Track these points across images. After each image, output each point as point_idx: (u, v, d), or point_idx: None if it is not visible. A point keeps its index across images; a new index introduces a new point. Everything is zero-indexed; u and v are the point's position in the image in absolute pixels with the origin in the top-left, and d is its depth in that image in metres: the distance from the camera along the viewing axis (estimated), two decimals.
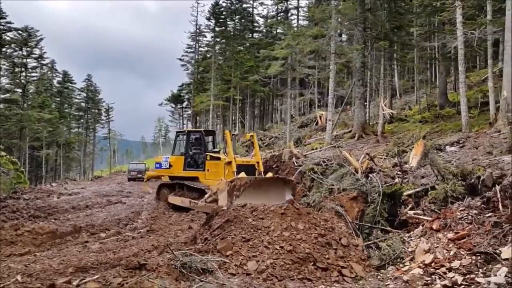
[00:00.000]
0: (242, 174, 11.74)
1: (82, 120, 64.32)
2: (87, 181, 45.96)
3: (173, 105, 69.95)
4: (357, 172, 9.89)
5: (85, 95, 63.80)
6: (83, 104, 63.94)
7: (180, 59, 59.55)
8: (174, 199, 13.57)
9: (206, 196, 11.50)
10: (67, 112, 60.45)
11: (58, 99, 58.65)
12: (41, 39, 48.71)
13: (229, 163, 12.57)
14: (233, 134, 14.90)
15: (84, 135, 64.52)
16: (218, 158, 13.32)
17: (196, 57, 56.63)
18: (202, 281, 5.09)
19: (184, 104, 68.69)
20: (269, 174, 13.14)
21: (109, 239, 9.03)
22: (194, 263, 5.40)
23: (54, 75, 60.42)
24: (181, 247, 7.03)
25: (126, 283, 4.57)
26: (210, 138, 15.87)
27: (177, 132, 18.00)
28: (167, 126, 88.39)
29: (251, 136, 14.50)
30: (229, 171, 12.32)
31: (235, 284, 5.10)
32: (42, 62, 53.51)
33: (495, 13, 18.87)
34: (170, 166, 14.60)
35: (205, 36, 55.41)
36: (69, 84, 61.97)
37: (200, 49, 56.93)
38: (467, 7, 19.57)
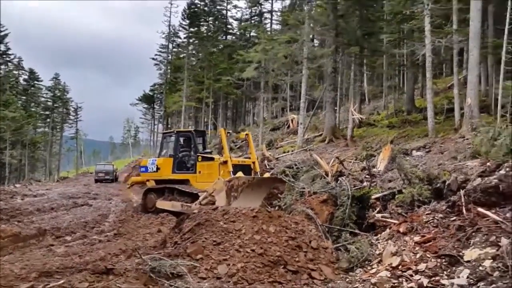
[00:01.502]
0: (240, 174, 11.20)
1: (48, 120, 62.40)
2: (52, 182, 44.61)
3: (145, 105, 68.93)
4: (327, 176, 10.01)
5: (52, 94, 61.94)
6: (49, 103, 62.05)
7: (153, 59, 58.92)
8: (163, 204, 12.73)
9: (201, 197, 10.80)
10: (34, 111, 58.49)
11: (24, 97, 56.69)
12: (6, 35, 47.10)
13: (225, 162, 12.01)
14: (228, 133, 14.25)
15: (51, 135, 62.59)
16: (211, 159, 12.72)
17: (169, 57, 56.07)
18: (171, 285, 5.02)
19: (156, 105, 67.77)
20: (266, 175, 12.67)
21: (75, 242, 8.78)
22: (163, 267, 5.31)
23: (20, 72, 58.45)
24: (150, 251, 6.91)
25: None
26: (200, 139, 14.80)
27: (163, 133, 17.17)
28: (137, 127, 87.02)
29: (246, 134, 13.90)
30: (225, 172, 11.70)
31: None
32: (7, 59, 51.67)
33: (460, 23, 19.61)
34: (158, 169, 13.70)
35: (179, 37, 55.05)
36: (36, 82, 60.01)
37: (174, 49, 56.47)
38: (435, 16, 20.23)
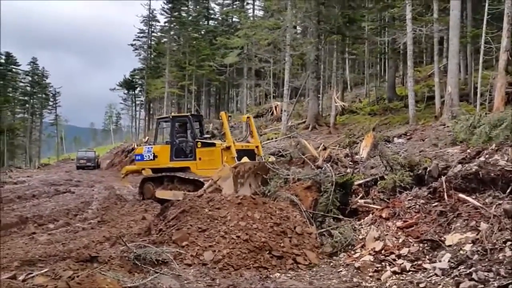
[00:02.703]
0: (245, 159, 10.67)
1: (27, 105, 60.89)
2: (33, 169, 43.85)
3: (126, 91, 67.78)
4: (315, 162, 10.04)
5: (30, 79, 60.34)
6: (28, 89, 60.47)
7: (131, 45, 57.76)
8: (163, 194, 12.12)
9: (206, 186, 10.12)
10: (11, 97, 56.92)
11: (1, 82, 55.07)
12: None
13: (228, 148, 11.50)
14: (229, 116, 13.55)
15: (30, 121, 61.16)
16: (213, 145, 12.20)
17: (149, 42, 55.10)
18: (157, 272, 5.02)
19: (137, 90, 66.70)
20: (272, 159, 12.10)
21: (58, 230, 8.66)
22: (148, 254, 5.29)
23: None
24: (134, 238, 6.89)
25: (77, 276, 4.40)
26: (197, 124, 14.03)
27: (158, 118, 16.28)
28: (119, 113, 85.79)
29: (248, 118, 13.26)
30: (228, 158, 11.15)
31: (191, 275, 5.07)
32: None
33: (441, 12, 19.85)
34: (155, 157, 13.11)
35: (158, 21, 54.07)
36: (13, 66, 58.26)
37: (154, 34, 55.50)
38: (416, 5, 20.41)
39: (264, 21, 30.23)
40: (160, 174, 12.85)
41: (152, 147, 13.49)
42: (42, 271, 4.90)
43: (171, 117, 13.90)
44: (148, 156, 13.34)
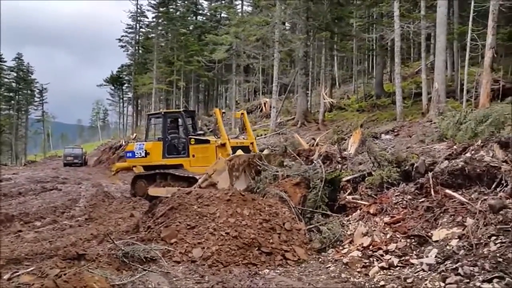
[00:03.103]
0: (239, 152, 10.60)
1: (13, 102, 59.86)
2: (19, 166, 43.24)
3: (113, 87, 67.05)
4: (308, 156, 10.03)
5: (15, 74, 59.33)
6: (13, 85, 59.45)
7: (119, 40, 57.11)
8: (156, 191, 11.77)
9: (200, 180, 9.91)
10: None
11: None
12: None
13: (223, 145, 11.40)
14: (223, 112, 13.38)
15: (16, 118, 60.18)
16: (207, 141, 12.06)
17: (137, 37, 54.55)
18: (145, 270, 5.00)
19: (125, 87, 66.02)
20: (266, 151, 12.05)
21: (45, 228, 8.55)
22: (136, 252, 5.27)
23: None
24: (122, 236, 6.85)
25: (64, 274, 4.36)
26: (189, 119, 13.79)
27: (149, 114, 15.84)
28: (106, 110, 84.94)
29: (242, 114, 13.06)
30: (223, 155, 10.96)
31: (180, 272, 5.06)
32: None
33: (428, 9, 20.02)
34: (147, 154, 12.83)
35: (146, 17, 53.57)
36: None
37: (142, 30, 54.93)
38: (404, 1, 20.55)
39: (252, 17, 30.17)
40: (153, 172, 12.66)
41: (144, 144, 13.27)
42: (28, 270, 4.84)
43: (162, 113, 13.68)
44: (140, 153, 13.10)
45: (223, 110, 14.09)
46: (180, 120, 13.41)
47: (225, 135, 11.82)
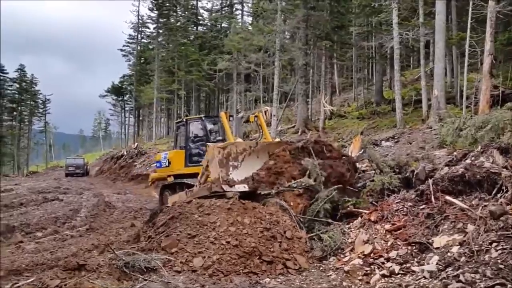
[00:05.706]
0: (239, 139, 10.10)
1: (15, 113, 60.04)
2: (21, 177, 43.29)
3: (115, 97, 67.30)
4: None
5: (18, 86, 59.57)
6: (16, 96, 59.68)
7: (121, 50, 57.55)
8: (172, 199, 10.95)
9: (198, 176, 9.31)
10: None
11: None
12: None
13: None
14: (230, 116, 12.89)
15: (18, 128, 60.32)
16: None
17: (139, 48, 54.91)
18: (146, 280, 4.98)
19: (127, 97, 66.26)
20: (277, 140, 11.31)
21: (46, 238, 8.55)
22: (137, 262, 5.25)
23: None
24: (123, 246, 6.82)
25: (65, 285, 4.36)
26: (215, 125, 12.84)
27: (176, 123, 15.20)
28: (108, 120, 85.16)
29: (256, 116, 12.34)
30: None
31: (181, 282, 5.04)
32: None
33: (426, 16, 20.12)
34: (169, 163, 12.46)
35: (147, 27, 53.97)
36: (1, 74, 57.48)
37: (143, 40, 55.35)
38: (402, 9, 20.66)
39: (255, 26, 30.42)
40: (173, 181, 12.23)
41: (167, 153, 13.05)
42: (28, 281, 4.83)
43: (185, 120, 13.26)
44: (164, 162, 12.85)
45: (231, 114, 13.58)
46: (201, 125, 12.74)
47: (232, 138, 11.21)
